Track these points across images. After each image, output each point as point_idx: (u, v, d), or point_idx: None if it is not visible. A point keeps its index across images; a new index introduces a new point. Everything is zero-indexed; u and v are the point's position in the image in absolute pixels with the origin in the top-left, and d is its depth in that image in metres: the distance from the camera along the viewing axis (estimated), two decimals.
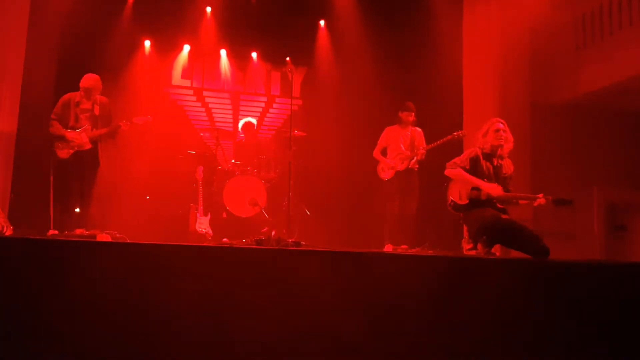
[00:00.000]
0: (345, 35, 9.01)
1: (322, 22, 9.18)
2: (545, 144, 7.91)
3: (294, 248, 4.32)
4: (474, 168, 4.93)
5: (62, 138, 5.79)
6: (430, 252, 6.09)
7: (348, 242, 7.11)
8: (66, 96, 5.94)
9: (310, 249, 4.05)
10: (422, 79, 8.47)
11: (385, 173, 6.73)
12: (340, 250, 3.57)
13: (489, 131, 4.95)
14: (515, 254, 4.87)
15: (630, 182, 8.30)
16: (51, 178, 5.87)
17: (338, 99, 8.86)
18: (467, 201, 4.89)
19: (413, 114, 6.81)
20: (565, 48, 8.22)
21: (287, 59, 6.10)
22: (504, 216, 4.80)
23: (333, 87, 8.96)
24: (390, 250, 6.29)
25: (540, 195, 4.63)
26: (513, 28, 7.91)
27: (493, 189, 4.81)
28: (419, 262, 3.48)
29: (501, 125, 4.94)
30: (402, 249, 6.34)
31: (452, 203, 5.02)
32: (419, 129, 6.87)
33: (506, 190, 4.85)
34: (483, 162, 4.93)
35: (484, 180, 4.85)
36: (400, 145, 6.75)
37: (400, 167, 6.64)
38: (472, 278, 3.35)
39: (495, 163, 4.95)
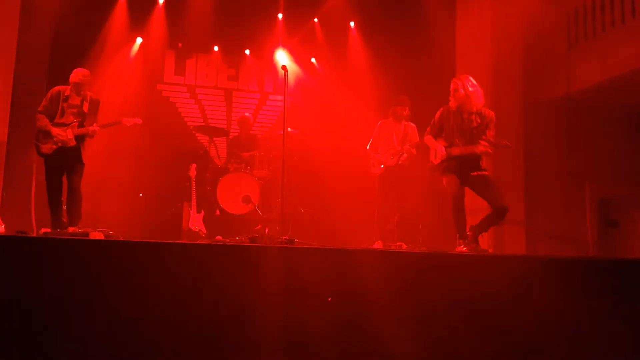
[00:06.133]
0: (339, 32, 9.03)
1: (315, 20, 9.18)
2: (538, 140, 7.92)
3: (288, 245, 4.31)
4: (443, 125, 5.39)
5: (47, 133, 5.53)
6: (423, 249, 6.10)
7: (342, 239, 7.09)
8: (55, 89, 5.69)
9: (304, 246, 4.05)
10: (416, 75, 8.48)
11: (376, 169, 6.66)
12: (334, 248, 3.58)
13: (450, 91, 5.31)
14: (506, 249, 4.90)
15: (623, 178, 8.33)
16: (33, 173, 5.69)
17: (331, 96, 8.86)
18: (439, 161, 5.30)
19: (408, 108, 6.70)
20: (558, 45, 8.22)
21: (280, 56, 6.08)
22: (484, 172, 5.20)
23: (327, 85, 8.96)
24: (381, 247, 6.25)
25: (482, 142, 5.05)
26: (506, 26, 7.93)
27: (439, 151, 5.30)
28: (410, 258, 3.49)
29: (458, 84, 5.25)
30: (397, 245, 6.30)
31: (430, 164, 5.46)
32: (412, 124, 6.77)
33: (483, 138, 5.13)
34: (452, 118, 5.31)
35: (454, 133, 5.27)
36: (393, 140, 6.65)
37: (390, 162, 6.54)
38: (463, 275, 3.36)
39: (464, 117, 5.26)
